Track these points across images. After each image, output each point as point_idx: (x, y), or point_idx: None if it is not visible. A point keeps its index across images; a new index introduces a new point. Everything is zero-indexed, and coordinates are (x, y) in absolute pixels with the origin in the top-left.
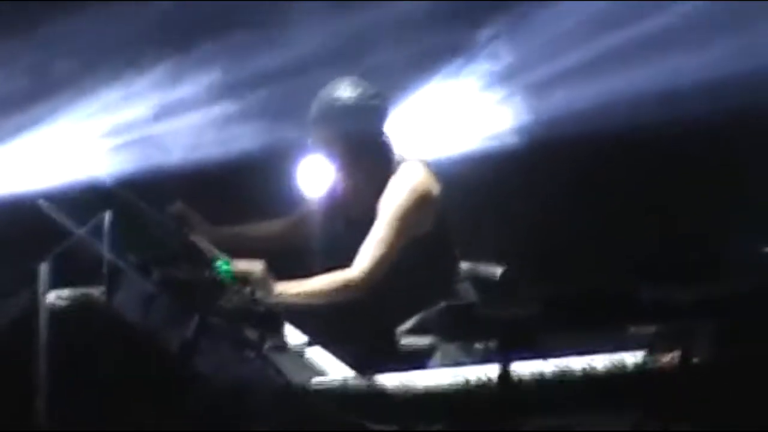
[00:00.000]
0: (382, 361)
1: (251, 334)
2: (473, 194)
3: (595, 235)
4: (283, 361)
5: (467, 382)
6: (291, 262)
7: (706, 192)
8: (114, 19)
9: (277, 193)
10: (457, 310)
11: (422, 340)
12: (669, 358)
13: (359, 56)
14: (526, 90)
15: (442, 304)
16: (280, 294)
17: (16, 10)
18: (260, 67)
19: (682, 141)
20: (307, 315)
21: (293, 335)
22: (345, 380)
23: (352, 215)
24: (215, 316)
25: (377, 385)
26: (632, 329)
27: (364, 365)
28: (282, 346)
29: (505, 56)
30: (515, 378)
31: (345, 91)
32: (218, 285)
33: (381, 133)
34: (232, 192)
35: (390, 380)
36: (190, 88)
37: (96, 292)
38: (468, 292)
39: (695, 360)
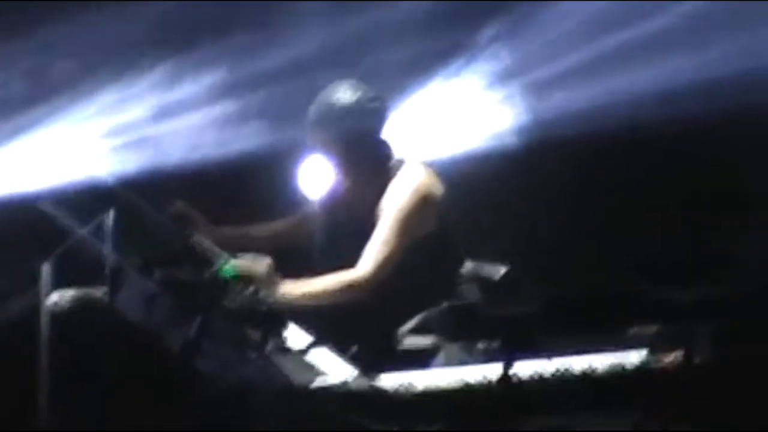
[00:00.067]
0: (384, 361)
1: (253, 334)
2: (475, 194)
3: (597, 236)
4: (285, 362)
5: (469, 382)
6: (292, 262)
7: (706, 191)
8: (114, 20)
9: (278, 193)
10: (459, 310)
11: (425, 341)
12: (670, 357)
13: (359, 57)
14: (526, 90)
15: (445, 304)
16: (285, 293)
17: (18, 11)
18: (261, 67)
19: (682, 140)
20: (310, 315)
21: (296, 336)
22: (347, 380)
23: (352, 216)
24: (217, 317)
25: (380, 385)
26: (633, 329)
27: (366, 365)
28: (284, 347)
29: (506, 57)
30: (517, 378)
31: (344, 94)
32: (220, 285)
33: (380, 136)
34: (233, 192)
35: (392, 380)
36: (190, 88)
37: (98, 292)
38: (472, 293)
39: (696, 360)
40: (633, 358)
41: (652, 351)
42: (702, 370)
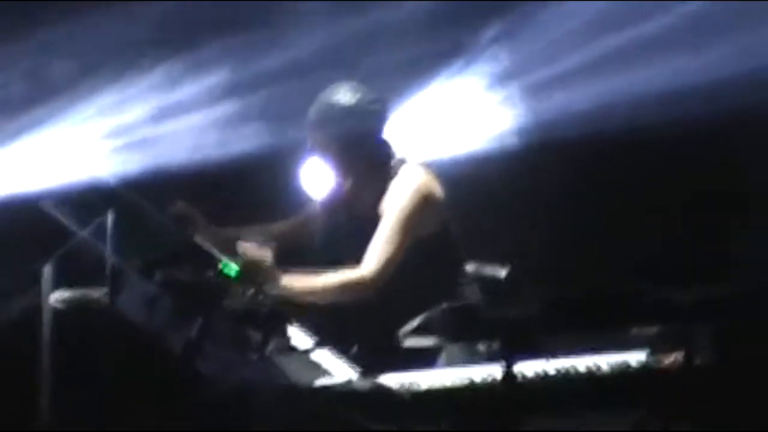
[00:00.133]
0: (386, 361)
1: (255, 335)
2: (475, 195)
3: (598, 236)
4: (286, 362)
5: (471, 382)
6: (293, 263)
7: (706, 192)
8: (115, 20)
9: (279, 194)
10: (460, 311)
11: (426, 341)
12: (671, 358)
13: (360, 58)
14: (526, 91)
15: (446, 304)
16: (286, 286)
17: (19, 11)
18: (262, 68)
19: (682, 141)
20: (311, 315)
21: (297, 336)
22: (349, 381)
23: (353, 217)
24: (218, 318)
25: (381, 385)
26: (634, 330)
27: (368, 366)
28: (286, 347)
29: (506, 58)
30: (518, 378)
31: (344, 95)
32: (221, 286)
33: (380, 137)
34: (234, 193)
35: (394, 381)
36: (191, 89)
37: (99, 293)
38: (473, 294)
39: (697, 360)
40: (634, 358)
41: (653, 351)
42: (702, 371)
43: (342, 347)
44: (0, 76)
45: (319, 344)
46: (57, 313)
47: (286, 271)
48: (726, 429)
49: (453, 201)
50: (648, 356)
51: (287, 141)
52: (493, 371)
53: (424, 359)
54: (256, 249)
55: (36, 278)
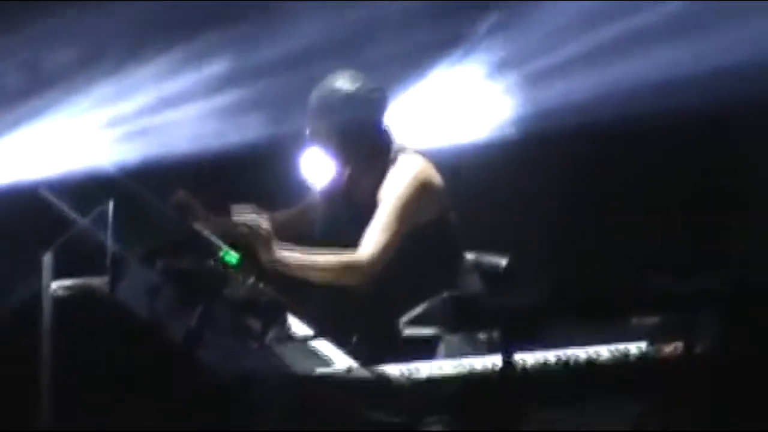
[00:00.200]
0: (385, 351)
1: (255, 324)
2: (474, 185)
3: (598, 226)
4: (286, 352)
5: (471, 372)
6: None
7: (708, 183)
8: (116, 9)
9: (279, 183)
10: (460, 301)
11: (426, 331)
12: (671, 348)
13: (359, 47)
14: (525, 81)
15: (446, 294)
16: (282, 257)
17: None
18: (262, 58)
19: (683, 132)
20: (311, 305)
21: (297, 325)
22: (348, 371)
23: (351, 205)
24: (219, 306)
25: (381, 375)
26: (635, 320)
27: (367, 355)
28: (286, 337)
29: (505, 47)
30: (518, 369)
31: (344, 83)
32: (222, 275)
33: (379, 126)
34: (234, 182)
35: (393, 371)
36: (192, 78)
37: (99, 282)
38: (473, 284)
39: (697, 350)
40: (634, 348)
41: (653, 342)
42: (703, 360)
43: (342, 336)
44: (0, 65)
45: (319, 333)
46: (57, 303)
47: (284, 247)
48: (727, 419)
49: (452, 190)
50: (648, 346)
51: (287, 130)
52: (493, 362)
53: (423, 349)
54: (252, 213)
55: (36, 267)
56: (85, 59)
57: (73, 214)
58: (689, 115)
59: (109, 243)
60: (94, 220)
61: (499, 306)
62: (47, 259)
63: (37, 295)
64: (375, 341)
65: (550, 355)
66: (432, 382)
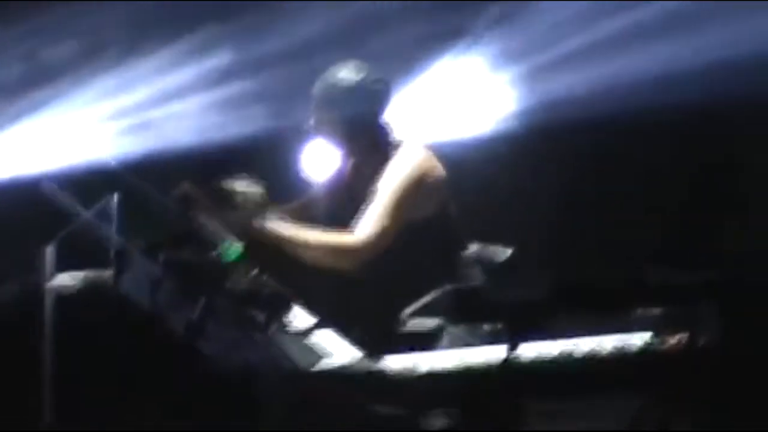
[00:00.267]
0: (388, 343)
1: (258, 316)
2: (478, 177)
3: (601, 218)
4: (289, 344)
5: (473, 364)
6: None
7: (712, 174)
8: (118, 2)
9: (281, 176)
10: (463, 293)
11: (429, 323)
12: (674, 340)
13: (361, 40)
14: (529, 73)
15: (449, 286)
16: (276, 227)
17: None
18: (264, 50)
19: (687, 123)
20: (314, 297)
21: (300, 317)
22: (351, 362)
23: (352, 196)
24: (221, 299)
25: (384, 367)
26: (638, 311)
27: (370, 347)
28: (288, 329)
29: (509, 40)
30: (521, 360)
31: (348, 74)
32: (224, 267)
33: (382, 117)
34: (236, 174)
35: (396, 362)
36: (195, 71)
37: (102, 274)
38: (476, 276)
39: (701, 342)
40: (637, 340)
41: (657, 333)
42: (706, 352)
43: (344, 328)
44: (3, 58)
45: (322, 325)
46: (60, 295)
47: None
48: (729, 411)
49: (455, 182)
50: (652, 338)
51: (290, 123)
52: (496, 353)
53: (426, 341)
54: (246, 183)
55: (39, 260)
56: (87, 52)
57: (76, 207)
58: (695, 107)
59: (112, 235)
60: (97, 213)
61: (501, 298)
62: (49, 251)
63: (39, 288)
64: (378, 333)
65: (553, 347)
66: (434, 375)
